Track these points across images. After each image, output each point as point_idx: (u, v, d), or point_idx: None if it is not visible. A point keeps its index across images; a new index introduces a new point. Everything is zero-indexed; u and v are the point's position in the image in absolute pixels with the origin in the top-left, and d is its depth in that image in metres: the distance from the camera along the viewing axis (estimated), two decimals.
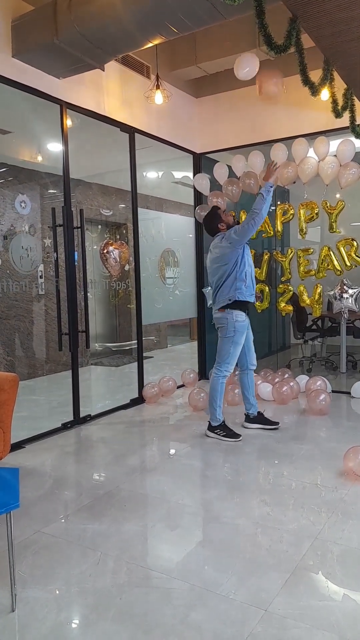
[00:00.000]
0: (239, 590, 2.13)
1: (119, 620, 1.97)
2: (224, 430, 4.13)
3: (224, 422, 4.18)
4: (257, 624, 1.92)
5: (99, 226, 7.82)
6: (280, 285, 5.59)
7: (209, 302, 6.07)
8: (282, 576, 2.22)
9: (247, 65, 3.77)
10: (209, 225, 4.32)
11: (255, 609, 2.01)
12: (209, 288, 6.06)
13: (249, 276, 4.15)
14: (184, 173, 6.89)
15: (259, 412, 4.42)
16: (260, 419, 4.40)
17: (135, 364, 5.53)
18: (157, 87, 4.89)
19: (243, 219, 5.68)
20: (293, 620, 1.93)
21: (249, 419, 4.42)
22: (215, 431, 4.14)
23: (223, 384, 4.20)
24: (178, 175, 7.49)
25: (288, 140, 5.35)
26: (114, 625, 1.94)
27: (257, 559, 2.37)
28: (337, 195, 5.34)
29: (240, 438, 4.08)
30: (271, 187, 3.98)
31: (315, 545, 2.47)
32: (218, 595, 2.10)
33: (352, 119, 4.39)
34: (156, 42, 3.77)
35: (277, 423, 4.36)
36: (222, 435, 4.10)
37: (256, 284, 5.71)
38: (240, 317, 4.11)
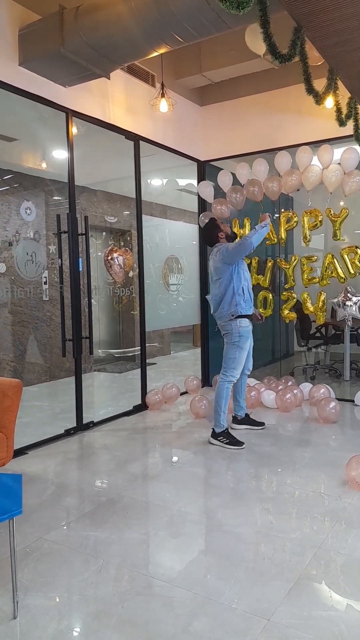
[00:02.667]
0: (241, 599, 2.12)
1: (120, 628, 1.96)
2: (227, 437, 4.13)
3: (227, 429, 4.18)
4: (260, 633, 1.91)
5: (104, 233, 7.85)
6: (284, 293, 5.58)
7: (212, 309, 6.09)
8: (285, 585, 2.21)
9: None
10: (209, 235, 4.45)
11: (258, 618, 2.00)
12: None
13: (247, 290, 4.27)
14: (188, 180, 6.93)
15: (246, 414, 4.55)
16: (247, 420, 4.52)
17: (139, 370, 5.52)
18: (162, 95, 4.92)
19: (247, 226, 5.71)
20: (296, 630, 1.92)
21: (236, 420, 4.53)
22: (219, 438, 4.14)
23: (229, 389, 4.24)
24: (182, 182, 7.52)
25: (292, 148, 5.37)
26: (116, 634, 1.93)
27: (259, 567, 2.35)
28: (341, 203, 5.35)
29: (244, 446, 4.07)
30: (265, 225, 4.24)
31: (319, 555, 2.45)
32: (220, 604, 2.09)
33: (356, 127, 4.40)
34: (161, 51, 3.80)
35: (262, 423, 4.52)
36: (225, 443, 4.10)
37: (260, 292, 5.76)
38: (244, 322, 4.21)
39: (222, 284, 4.21)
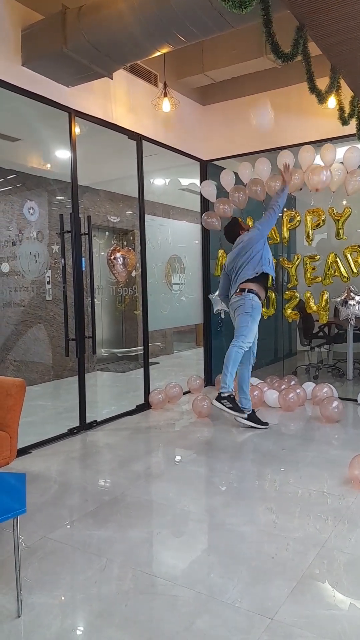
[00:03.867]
0: (244, 598, 2.12)
1: (124, 626, 1.97)
2: (231, 402, 4.22)
3: (232, 395, 4.28)
4: (263, 632, 1.91)
5: (106, 233, 7.86)
6: (287, 292, 5.58)
7: (215, 308, 6.09)
8: (288, 584, 2.21)
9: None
10: (232, 231, 4.73)
11: (261, 617, 2.00)
12: (216, 294, 6.09)
13: (271, 261, 4.60)
14: (191, 180, 6.92)
15: (253, 410, 4.56)
16: (253, 417, 4.52)
17: (141, 369, 5.53)
18: (165, 94, 4.92)
19: (251, 226, 5.70)
20: (299, 629, 1.92)
21: (219, 397, 4.48)
22: (223, 401, 4.21)
23: (239, 354, 4.34)
24: (185, 182, 7.52)
25: (295, 147, 5.36)
26: (119, 632, 1.94)
27: (263, 566, 2.36)
28: (344, 202, 5.34)
29: (245, 415, 4.21)
30: (285, 187, 4.67)
31: (322, 554, 2.45)
32: (223, 603, 2.09)
33: (359, 126, 4.40)
34: (164, 50, 3.80)
35: (266, 423, 4.53)
36: (227, 407, 4.20)
37: (269, 292, 5.76)
38: (256, 299, 4.42)
39: (252, 253, 4.46)
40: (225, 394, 4.29)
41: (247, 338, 4.37)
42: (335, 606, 2.06)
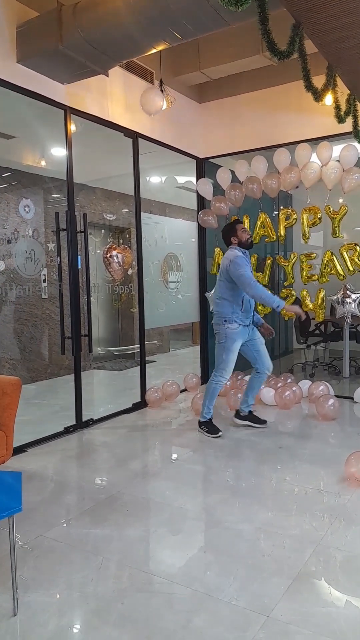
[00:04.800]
0: (241, 595, 2.12)
1: (120, 625, 1.97)
2: (207, 426, 4.32)
3: (210, 419, 4.36)
4: (260, 629, 1.91)
5: (102, 230, 7.84)
6: (283, 290, 5.58)
7: (212, 306, 6.09)
8: (285, 582, 2.21)
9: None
10: (224, 236, 4.46)
11: (257, 614, 2.00)
12: (212, 292, 6.08)
13: (247, 301, 4.26)
14: (187, 178, 6.91)
15: (250, 411, 4.58)
16: (250, 417, 4.55)
17: (138, 368, 5.53)
18: (161, 92, 4.91)
19: (246, 223, 5.70)
20: (296, 627, 1.92)
21: (239, 415, 4.57)
22: (201, 427, 4.35)
23: (215, 389, 4.36)
24: (181, 180, 7.51)
25: (291, 145, 5.36)
26: (116, 630, 1.94)
27: (259, 564, 2.36)
28: (340, 200, 5.34)
29: (220, 434, 4.24)
30: (278, 307, 4.10)
31: (318, 551, 2.46)
32: (220, 601, 2.09)
33: (355, 124, 4.40)
34: (160, 47, 3.79)
35: (265, 421, 4.53)
36: (205, 431, 4.31)
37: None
38: (233, 325, 4.22)
39: (224, 288, 4.26)
40: (203, 420, 4.39)
41: (225, 372, 4.27)
42: (332, 603, 2.07)
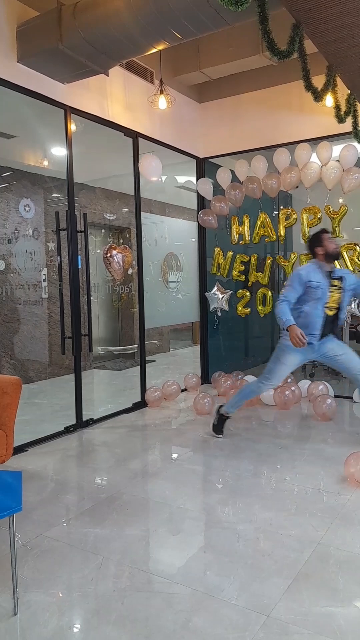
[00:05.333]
0: (241, 595, 2.13)
1: (120, 624, 1.97)
2: (218, 421, 4.27)
3: (227, 417, 4.27)
4: (259, 629, 1.92)
5: (103, 230, 7.85)
6: (283, 290, 5.58)
7: (212, 306, 6.10)
8: (285, 582, 2.21)
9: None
10: (310, 245, 4.06)
11: (257, 614, 2.00)
12: (212, 292, 6.09)
13: (305, 316, 3.89)
14: (187, 178, 6.91)
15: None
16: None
17: (138, 367, 5.53)
18: (161, 92, 4.91)
19: (246, 223, 5.70)
20: (295, 626, 1.93)
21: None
22: (219, 411, 4.28)
23: (251, 393, 4.18)
24: (181, 179, 7.50)
25: (291, 145, 5.36)
26: (116, 630, 1.94)
27: (259, 564, 2.36)
28: (340, 200, 5.35)
29: (220, 437, 4.23)
30: (284, 328, 3.84)
31: (318, 551, 2.46)
32: (220, 601, 2.10)
33: (355, 124, 4.41)
34: (160, 47, 3.79)
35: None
36: (213, 423, 4.30)
37: (259, 289, 5.76)
38: (286, 336, 3.83)
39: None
40: (223, 413, 4.25)
41: (268, 380, 4.03)
42: (331, 603, 2.07)
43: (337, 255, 4.03)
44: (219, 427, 4.26)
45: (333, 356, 4.01)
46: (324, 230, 4.10)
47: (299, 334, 3.71)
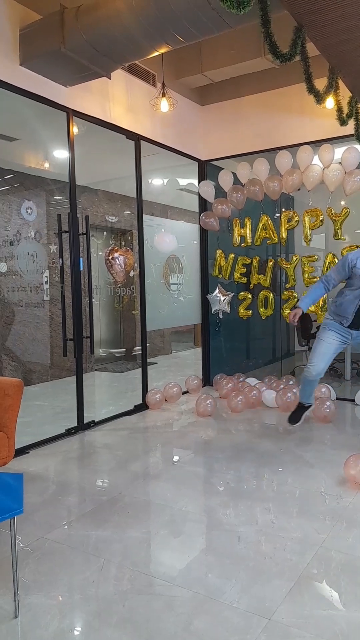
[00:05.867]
0: (242, 598, 2.12)
1: (121, 627, 1.96)
2: (299, 408, 4.42)
3: (308, 406, 4.43)
4: (261, 632, 1.91)
5: (105, 233, 7.86)
6: (285, 292, 5.58)
7: (214, 308, 6.10)
8: (286, 585, 2.21)
9: None
10: None
11: (258, 617, 2.00)
12: (214, 294, 6.09)
13: (343, 299, 4.03)
14: (189, 180, 6.92)
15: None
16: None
17: (139, 370, 5.53)
18: (163, 94, 4.92)
19: (248, 225, 5.70)
20: (297, 629, 1.92)
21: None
22: (300, 404, 4.44)
23: (304, 378, 4.27)
24: (183, 182, 7.52)
25: (293, 147, 5.37)
26: (117, 632, 1.93)
27: (260, 567, 2.36)
28: (342, 203, 5.35)
29: (294, 425, 4.41)
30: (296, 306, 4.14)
31: (320, 554, 2.45)
32: (221, 603, 2.09)
33: (357, 126, 4.41)
34: (162, 50, 3.80)
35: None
36: (293, 410, 4.45)
37: (261, 291, 5.76)
38: (328, 317, 4.19)
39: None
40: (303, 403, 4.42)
41: (311, 363, 4.15)
42: (333, 606, 2.06)
43: None
44: (295, 415, 4.39)
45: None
46: None
47: (292, 315, 4.06)
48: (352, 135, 4.58)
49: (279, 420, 4.81)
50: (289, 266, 5.52)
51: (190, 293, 6.28)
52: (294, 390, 5.17)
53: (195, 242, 6.36)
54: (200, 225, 6.20)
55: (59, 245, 4.51)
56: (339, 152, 5.09)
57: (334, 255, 5.19)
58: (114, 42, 3.69)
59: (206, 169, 6.31)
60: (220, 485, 3.36)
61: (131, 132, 5.12)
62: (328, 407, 4.66)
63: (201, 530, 2.80)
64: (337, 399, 5.34)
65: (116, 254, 5.51)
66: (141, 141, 5.26)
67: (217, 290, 6.06)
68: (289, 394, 5.08)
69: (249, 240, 5.75)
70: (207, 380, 6.44)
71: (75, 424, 4.60)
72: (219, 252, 6.02)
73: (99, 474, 3.62)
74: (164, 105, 4.96)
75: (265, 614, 2.01)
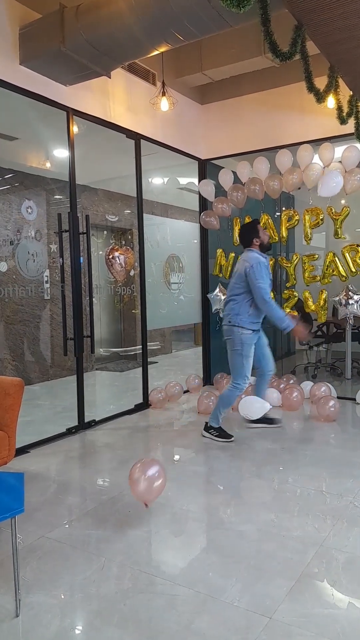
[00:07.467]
0: (243, 597, 2.12)
1: (123, 626, 1.97)
2: (217, 431, 4.23)
3: (220, 426, 4.27)
4: (262, 631, 1.91)
5: (105, 232, 7.86)
6: (285, 291, 5.58)
7: (214, 307, 6.09)
8: (287, 583, 2.21)
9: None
10: (245, 236, 4.30)
11: (259, 616, 2.00)
12: (214, 293, 6.09)
13: (255, 307, 4.11)
14: (189, 179, 6.92)
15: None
16: (263, 419, 4.46)
17: (140, 369, 5.53)
18: (163, 93, 4.92)
19: (247, 222, 5.70)
20: (298, 628, 1.92)
21: (251, 420, 4.47)
22: (210, 431, 4.25)
23: (232, 397, 4.21)
24: (183, 181, 7.52)
25: (293, 146, 5.36)
26: (118, 631, 1.94)
27: (261, 565, 2.36)
28: (342, 202, 5.34)
29: (233, 439, 4.17)
30: (286, 329, 4.06)
31: (321, 553, 2.45)
32: (222, 602, 2.09)
33: (357, 125, 4.40)
34: (162, 49, 3.79)
35: (279, 420, 4.50)
36: (215, 436, 4.22)
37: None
38: (247, 331, 4.12)
39: (236, 291, 4.15)
40: (215, 426, 4.26)
41: (246, 378, 4.15)
42: (334, 605, 2.06)
43: (270, 247, 4.41)
44: (223, 434, 4.21)
45: (261, 341, 4.35)
46: (257, 221, 4.52)
47: (304, 334, 4.14)
48: (352, 134, 4.57)
49: (280, 418, 4.81)
50: (289, 265, 5.52)
51: (191, 292, 6.27)
52: (297, 389, 5.18)
53: (195, 241, 6.36)
54: (200, 224, 6.20)
55: (59, 244, 4.51)
56: (339, 151, 5.08)
57: (334, 254, 5.19)
58: (114, 41, 3.69)
59: (206, 168, 6.30)
60: (221, 484, 3.36)
61: (131, 131, 5.11)
62: (333, 406, 4.66)
63: (202, 529, 2.80)
64: (338, 397, 5.33)
65: (116, 253, 5.51)
66: (141, 140, 5.26)
67: (217, 290, 6.06)
68: (295, 393, 5.09)
69: None
70: (207, 380, 6.44)
71: (76, 423, 4.60)
72: (219, 251, 6.01)
73: (100, 473, 3.63)
74: (164, 104, 4.95)
75: (266, 613, 2.01)
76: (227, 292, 4.31)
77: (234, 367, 4.19)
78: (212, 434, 4.23)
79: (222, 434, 4.21)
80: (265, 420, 4.48)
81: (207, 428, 4.28)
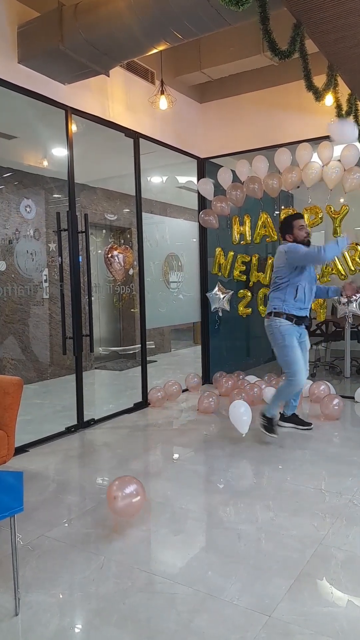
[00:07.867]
0: (242, 595, 2.12)
1: (122, 625, 1.97)
2: (268, 422, 4.12)
3: (273, 418, 4.16)
4: (261, 629, 1.91)
5: (104, 231, 7.85)
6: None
7: (213, 306, 6.09)
8: (286, 582, 2.21)
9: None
10: (281, 230, 4.20)
11: (259, 614, 2.00)
12: (213, 292, 6.09)
13: (302, 291, 3.99)
14: (188, 178, 6.92)
15: (293, 413, 4.46)
16: (294, 419, 4.43)
17: (139, 368, 5.53)
18: (162, 92, 4.91)
19: (247, 223, 5.70)
20: (297, 627, 1.92)
21: (283, 417, 4.43)
22: (263, 419, 4.14)
23: (291, 392, 4.14)
24: (182, 180, 7.51)
25: (292, 145, 5.36)
26: (117, 631, 1.94)
27: (261, 564, 2.36)
28: (341, 200, 5.34)
29: (275, 436, 4.09)
30: (346, 241, 3.82)
31: (320, 551, 2.46)
32: (222, 601, 2.09)
33: (356, 123, 4.40)
34: (161, 48, 3.79)
35: (310, 424, 4.40)
36: (263, 425, 4.12)
37: (260, 289, 5.75)
38: (285, 322, 3.98)
39: (278, 278, 4.02)
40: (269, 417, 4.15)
41: (300, 372, 3.96)
42: (333, 603, 2.07)
43: (308, 245, 4.05)
44: (270, 427, 4.12)
45: (303, 342, 4.20)
46: (298, 215, 4.25)
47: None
48: None
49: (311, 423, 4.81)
50: None
51: (190, 291, 6.27)
52: None
53: (194, 239, 6.36)
54: (199, 223, 6.20)
55: (58, 243, 4.50)
56: (338, 149, 5.08)
57: None
58: (113, 39, 3.68)
59: (205, 167, 6.30)
60: (221, 483, 3.36)
61: (130, 129, 5.11)
62: (337, 405, 4.66)
63: (201, 528, 2.80)
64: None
65: (115, 252, 5.51)
66: (140, 139, 5.25)
67: (216, 288, 6.06)
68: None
69: (249, 238, 5.75)
70: (206, 378, 6.44)
71: (75, 422, 4.60)
72: (218, 249, 6.01)
73: (99, 472, 3.63)
74: (163, 102, 4.95)
75: (265, 612, 2.01)
76: (270, 287, 4.18)
77: (282, 361, 4.05)
78: (262, 423, 4.12)
79: (269, 427, 4.09)
80: (298, 420, 4.42)
81: (263, 414, 4.13)
